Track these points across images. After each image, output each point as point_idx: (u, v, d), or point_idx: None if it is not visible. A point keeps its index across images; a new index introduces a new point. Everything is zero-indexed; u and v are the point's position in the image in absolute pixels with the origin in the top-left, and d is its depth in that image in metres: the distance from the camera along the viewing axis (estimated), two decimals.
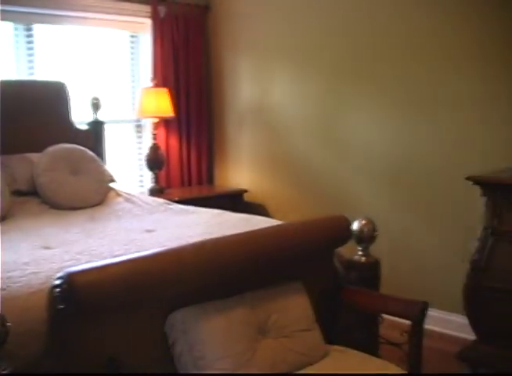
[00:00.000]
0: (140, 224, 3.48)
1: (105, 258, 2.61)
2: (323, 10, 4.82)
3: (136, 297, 2.22)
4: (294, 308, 2.61)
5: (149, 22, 5.27)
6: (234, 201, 5.18)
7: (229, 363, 2.30)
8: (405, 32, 4.37)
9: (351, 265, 3.03)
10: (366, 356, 2.65)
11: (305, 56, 4.99)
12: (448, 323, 4.18)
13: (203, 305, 2.39)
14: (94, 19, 4.99)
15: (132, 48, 5.42)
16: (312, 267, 2.82)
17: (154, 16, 5.24)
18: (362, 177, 4.72)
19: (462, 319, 3.63)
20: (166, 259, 2.29)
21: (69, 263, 2.56)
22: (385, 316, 2.89)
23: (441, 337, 4.17)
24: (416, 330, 2.62)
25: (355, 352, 2.68)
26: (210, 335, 2.33)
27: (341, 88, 4.78)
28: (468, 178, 3.40)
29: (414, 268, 4.45)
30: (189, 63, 5.48)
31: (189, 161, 5.56)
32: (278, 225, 2.94)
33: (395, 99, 4.48)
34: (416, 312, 2.62)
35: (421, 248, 4.42)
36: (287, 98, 5.15)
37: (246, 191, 5.35)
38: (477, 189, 3.45)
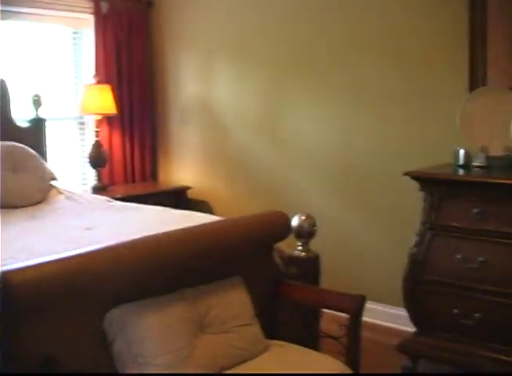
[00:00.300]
0: (80, 222, 3.46)
1: (44, 256, 2.58)
2: (265, 5, 4.85)
3: (73, 295, 2.20)
4: (234, 303, 2.62)
5: (91, 18, 5.22)
6: (177, 198, 5.17)
7: (169, 359, 2.29)
8: (349, 26, 4.42)
9: (291, 260, 3.07)
10: (305, 349, 2.68)
11: (248, 52, 5.01)
12: (389, 316, 4.26)
13: (141, 301, 2.38)
14: (34, 14, 4.91)
15: (75, 44, 5.36)
16: (252, 262, 2.83)
17: (97, 12, 5.19)
18: (305, 173, 4.76)
19: (403, 312, 3.68)
20: (103, 256, 2.27)
21: (6, 262, 2.53)
22: (326, 310, 2.94)
23: (383, 330, 4.25)
24: (354, 324, 2.66)
25: (295, 346, 2.70)
26: (148, 332, 2.32)
27: (284, 84, 4.81)
28: (406, 174, 3.47)
29: (356, 262, 4.51)
30: (133, 59, 5.45)
31: (132, 158, 5.53)
32: (216, 222, 2.95)
33: (338, 95, 4.53)
34: (354, 306, 2.66)
35: (362, 243, 4.49)
36: (230, 94, 5.16)
37: (189, 188, 5.33)
38: (417, 185, 3.51)
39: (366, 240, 4.47)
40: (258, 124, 5.01)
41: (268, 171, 4.96)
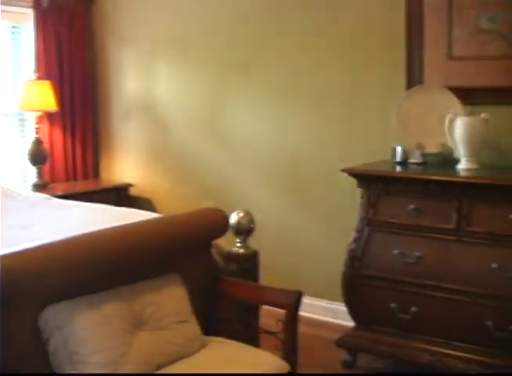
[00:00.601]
0: (18, 220, 3.41)
1: None
2: (207, 4, 4.85)
3: (7, 293, 2.17)
4: (171, 300, 2.62)
5: (31, 12, 5.14)
6: (120, 196, 5.14)
7: (104, 357, 2.29)
8: (288, 26, 4.44)
9: (230, 257, 3.08)
10: (244, 345, 2.70)
11: (190, 50, 4.99)
12: (329, 311, 4.31)
13: (77, 299, 2.37)
14: None
15: (14, 39, 5.26)
16: (190, 259, 2.84)
17: (36, 7, 5.11)
18: (246, 170, 4.78)
19: (342, 307, 3.73)
20: (37, 254, 2.25)
21: None
22: (266, 305, 2.97)
23: (323, 325, 4.30)
24: (291, 319, 2.69)
25: (233, 342, 2.72)
26: (84, 330, 2.31)
27: (226, 82, 4.82)
28: (344, 171, 3.52)
29: (296, 259, 4.55)
30: (74, 55, 5.37)
31: (74, 156, 5.46)
32: (152, 219, 2.94)
33: (279, 94, 4.55)
34: (290, 302, 2.69)
35: (303, 239, 4.53)
36: (172, 92, 5.14)
37: (132, 185, 5.30)
38: (356, 182, 3.57)
39: (306, 236, 4.51)
40: (200, 122, 5.01)
41: (210, 168, 4.96)
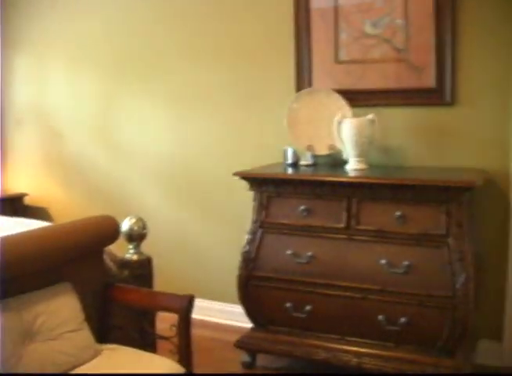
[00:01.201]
0: None
1: None
2: (99, 9, 4.81)
3: None
4: (62, 309, 2.59)
5: None
6: (14, 206, 5.03)
7: None
8: (181, 31, 4.48)
9: (123, 263, 3.08)
10: (139, 351, 2.70)
11: (83, 56, 4.94)
12: (229, 314, 4.34)
13: None
14: None
15: None
16: (82, 267, 2.80)
17: None
18: (142, 176, 4.78)
19: (240, 309, 3.76)
20: None
21: None
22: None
23: (222, 327, 4.33)
24: (184, 323, 2.70)
25: (128, 348, 2.71)
26: None
27: (120, 88, 4.80)
28: (235, 174, 3.57)
29: (193, 263, 4.58)
30: None
31: None
32: (43, 228, 2.89)
33: (173, 98, 4.57)
34: (182, 306, 2.70)
35: (199, 243, 4.56)
36: (66, 98, 5.08)
37: (26, 195, 5.20)
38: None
39: (203, 240, 4.54)
40: (95, 129, 4.97)
41: (106, 175, 4.93)
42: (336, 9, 3.89)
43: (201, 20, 4.38)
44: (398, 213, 3.26)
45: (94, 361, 2.59)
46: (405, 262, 3.22)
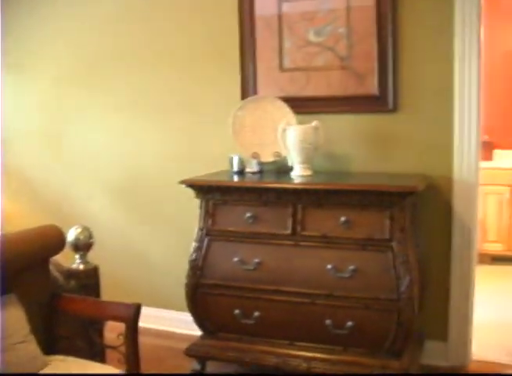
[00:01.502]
0: None
1: None
2: (48, 19, 4.76)
3: None
4: (7, 321, 2.57)
5: None
6: None
7: None
8: (132, 37, 4.46)
9: (70, 273, 3.06)
10: (85, 361, 2.69)
11: (29, 63, 4.87)
12: (179, 322, 4.32)
13: None
14: None
15: None
16: (27, 278, 2.78)
17: None
18: (89, 186, 4.75)
19: (189, 317, 3.76)
20: None
21: None
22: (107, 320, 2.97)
23: (172, 335, 4.34)
24: (131, 331, 2.70)
25: (76, 359, 2.70)
26: None
27: (68, 96, 4.75)
28: (181, 182, 3.58)
29: (141, 272, 4.58)
30: None
31: None
32: None
33: (122, 106, 4.55)
34: (129, 314, 2.70)
35: (148, 252, 4.56)
36: (12, 107, 5.01)
37: None
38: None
39: (151, 248, 4.54)
40: (42, 137, 4.91)
41: (53, 185, 4.88)
42: (280, 18, 3.94)
43: (149, 28, 4.38)
44: (343, 218, 3.30)
45: (41, 373, 2.57)
46: (351, 267, 3.27)
